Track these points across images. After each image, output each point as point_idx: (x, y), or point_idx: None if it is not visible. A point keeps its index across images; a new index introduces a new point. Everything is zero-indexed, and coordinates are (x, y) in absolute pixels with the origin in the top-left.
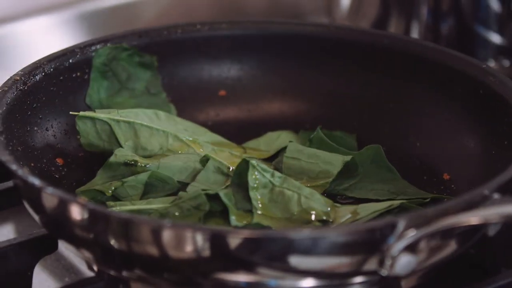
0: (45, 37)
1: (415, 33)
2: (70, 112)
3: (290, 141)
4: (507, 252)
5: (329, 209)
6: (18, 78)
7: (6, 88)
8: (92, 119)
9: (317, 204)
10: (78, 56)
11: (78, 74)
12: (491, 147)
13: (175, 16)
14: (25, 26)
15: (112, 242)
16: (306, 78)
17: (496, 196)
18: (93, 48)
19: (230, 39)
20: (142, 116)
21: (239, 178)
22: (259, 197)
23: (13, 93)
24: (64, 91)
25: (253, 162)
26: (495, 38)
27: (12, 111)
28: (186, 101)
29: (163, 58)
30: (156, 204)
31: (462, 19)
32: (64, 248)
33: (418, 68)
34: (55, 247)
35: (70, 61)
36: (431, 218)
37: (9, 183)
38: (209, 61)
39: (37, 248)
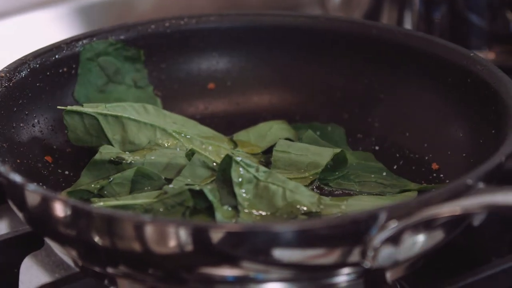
0: (41, 32)
1: (408, 22)
2: (58, 107)
3: (280, 138)
4: (497, 241)
5: (315, 201)
6: (3, 74)
7: None
8: (80, 113)
9: (303, 197)
10: (64, 51)
11: (65, 69)
12: (479, 136)
13: (173, 9)
14: (22, 21)
15: (95, 238)
16: (295, 69)
17: (480, 185)
18: (79, 43)
19: (218, 32)
20: (130, 110)
21: (223, 174)
22: (243, 193)
23: None
24: (51, 87)
25: (237, 158)
26: (488, 25)
27: None
28: (175, 95)
29: (151, 51)
30: (141, 199)
31: (454, 8)
32: (50, 244)
33: (407, 58)
34: (42, 243)
35: (57, 56)
36: (412, 209)
37: None
38: (198, 54)
39: (23, 245)
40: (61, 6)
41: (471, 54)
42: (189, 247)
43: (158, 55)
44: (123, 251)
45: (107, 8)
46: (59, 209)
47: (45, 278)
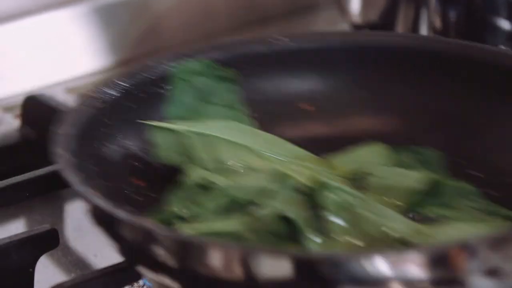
0: (59, 31)
1: (424, 22)
2: (147, 122)
3: (376, 162)
4: None
5: (413, 230)
6: (94, 95)
7: (82, 106)
8: (170, 131)
9: (400, 225)
10: (155, 71)
11: (157, 89)
12: None
13: (189, 9)
14: (40, 20)
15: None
16: (393, 91)
17: None
18: (171, 63)
19: (313, 52)
20: (222, 129)
21: (316, 200)
22: (338, 220)
23: (89, 111)
24: (143, 107)
25: (331, 182)
26: (505, 24)
27: (87, 130)
28: (269, 116)
29: (244, 72)
30: (231, 226)
31: (472, 7)
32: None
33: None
34: (57, 243)
35: (149, 76)
36: None
37: (16, 179)
38: (295, 75)
39: (39, 244)
40: (79, 5)
41: None
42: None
43: (251, 76)
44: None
45: (125, 7)
46: (162, 244)
47: (61, 277)
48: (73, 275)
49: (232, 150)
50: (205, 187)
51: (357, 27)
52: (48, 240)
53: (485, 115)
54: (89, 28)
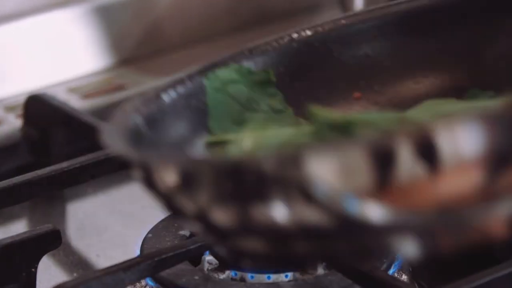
0: (59, 32)
1: None
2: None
3: None
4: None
5: None
6: (132, 110)
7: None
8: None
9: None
10: (187, 84)
11: (194, 102)
12: None
13: (191, 9)
14: (39, 21)
15: None
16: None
17: None
18: (203, 74)
19: (355, 36)
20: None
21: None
22: None
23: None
24: (181, 124)
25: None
26: None
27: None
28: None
29: (281, 71)
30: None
31: None
32: None
33: None
34: (60, 242)
35: (181, 91)
36: None
37: (19, 178)
38: (333, 65)
39: (41, 244)
40: (80, 5)
41: None
42: None
43: (288, 74)
44: None
45: (127, 6)
46: None
47: (63, 277)
48: (75, 275)
49: None
50: None
51: None
52: (50, 240)
53: None
54: (91, 28)
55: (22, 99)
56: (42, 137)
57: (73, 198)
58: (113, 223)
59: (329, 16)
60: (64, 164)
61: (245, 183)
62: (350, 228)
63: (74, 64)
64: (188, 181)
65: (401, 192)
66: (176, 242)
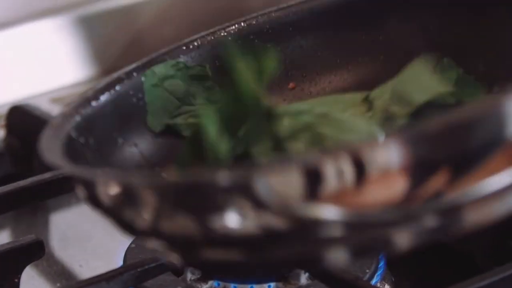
0: (44, 42)
1: None
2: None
3: None
4: (498, 248)
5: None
6: (68, 112)
7: (56, 127)
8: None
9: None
10: (125, 82)
11: (133, 100)
12: None
13: (173, 19)
14: (24, 31)
15: None
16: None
17: None
18: (139, 71)
19: (288, 28)
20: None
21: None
22: (295, 144)
23: (65, 129)
24: (120, 122)
25: (292, 108)
26: None
27: (65, 150)
28: None
29: (215, 64)
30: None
31: None
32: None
33: None
34: (43, 253)
35: (120, 89)
36: None
37: (1, 189)
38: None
39: (24, 255)
40: (63, 15)
41: None
42: None
43: (223, 67)
44: None
45: (109, 17)
46: None
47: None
48: (58, 285)
49: None
50: None
51: None
52: (34, 251)
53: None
54: (74, 38)
55: (5, 110)
56: (25, 148)
57: (56, 209)
58: (96, 233)
59: None
60: (47, 175)
61: (195, 198)
62: (301, 230)
63: (57, 74)
64: (131, 197)
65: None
66: (159, 252)
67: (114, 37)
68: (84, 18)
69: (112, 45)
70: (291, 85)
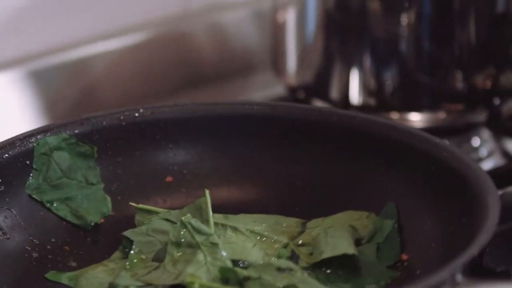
0: None
1: (357, 83)
2: (131, 203)
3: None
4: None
5: None
6: None
7: None
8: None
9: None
10: (18, 147)
11: (19, 165)
12: (448, 225)
13: (125, 72)
14: None
15: None
16: (255, 160)
17: (458, 278)
18: (33, 139)
19: (174, 123)
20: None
21: None
22: None
23: None
24: (8, 185)
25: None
26: (438, 85)
27: None
28: (132, 189)
29: (106, 145)
30: None
31: (404, 67)
32: None
33: (369, 145)
34: None
35: (11, 153)
36: None
37: None
38: (154, 146)
39: None
40: (13, 70)
41: (437, 141)
42: None
43: (113, 149)
44: None
45: (61, 71)
46: None
47: None
48: None
49: None
50: None
51: (292, 89)
52: None
53: (345, 178)
54: (24, 93)
55: None
56: None
57: None
58: None
59: (262, 80)
60: None
61: None
62: None
63: (7, 130)
64: None
65: None
66: None
67: (65, 90)
68: (34, 72)
69: (64, 98)
70: (168, 178)
